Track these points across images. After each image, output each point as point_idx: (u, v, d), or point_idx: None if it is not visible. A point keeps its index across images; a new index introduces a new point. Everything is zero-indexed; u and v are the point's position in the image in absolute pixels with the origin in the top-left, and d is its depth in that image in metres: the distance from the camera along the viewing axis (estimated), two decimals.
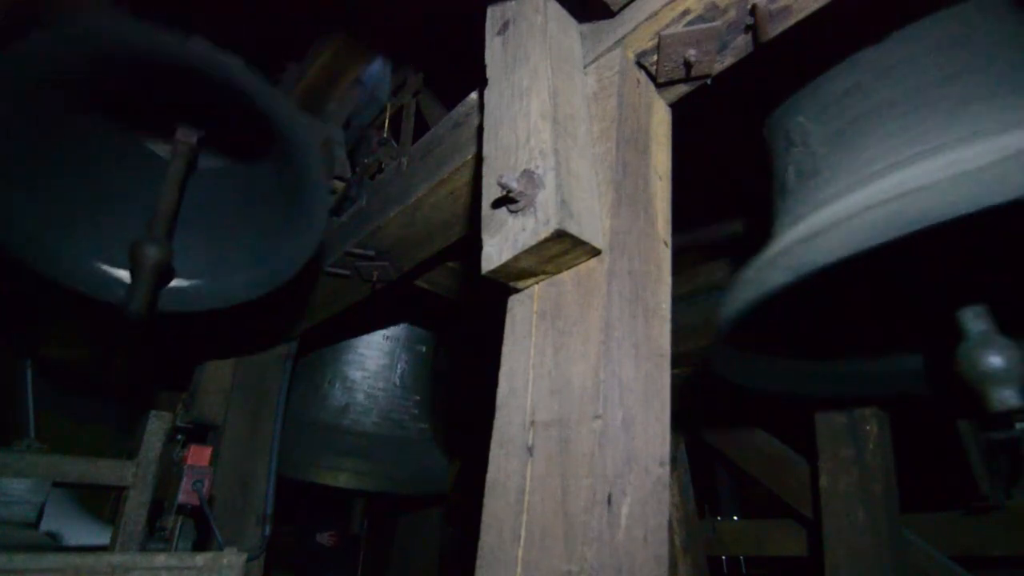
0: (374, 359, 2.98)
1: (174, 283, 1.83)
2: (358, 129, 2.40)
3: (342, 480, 2.58)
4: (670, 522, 2.95)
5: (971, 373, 1.33)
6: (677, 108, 1.22)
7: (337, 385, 2.87)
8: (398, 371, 3.02)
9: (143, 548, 1.97)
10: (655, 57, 1.13)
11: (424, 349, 3.19)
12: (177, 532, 2.10)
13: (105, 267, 1.78)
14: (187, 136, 1.75)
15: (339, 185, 2.14)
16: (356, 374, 2.91)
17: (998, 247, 1.55)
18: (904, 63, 1.31)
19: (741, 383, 1.81)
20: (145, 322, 1.50)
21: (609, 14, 1.18)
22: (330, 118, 2.35)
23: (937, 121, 1.19)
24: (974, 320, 1.41)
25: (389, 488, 2.71)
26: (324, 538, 4.53)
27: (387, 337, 3.05)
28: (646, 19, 1.11)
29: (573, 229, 0.92)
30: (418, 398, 3.05)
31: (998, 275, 1.54)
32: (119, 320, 1.48)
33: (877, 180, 1.14)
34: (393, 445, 2.85)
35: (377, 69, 2.35)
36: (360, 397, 2.87)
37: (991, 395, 1.30)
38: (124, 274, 1.73)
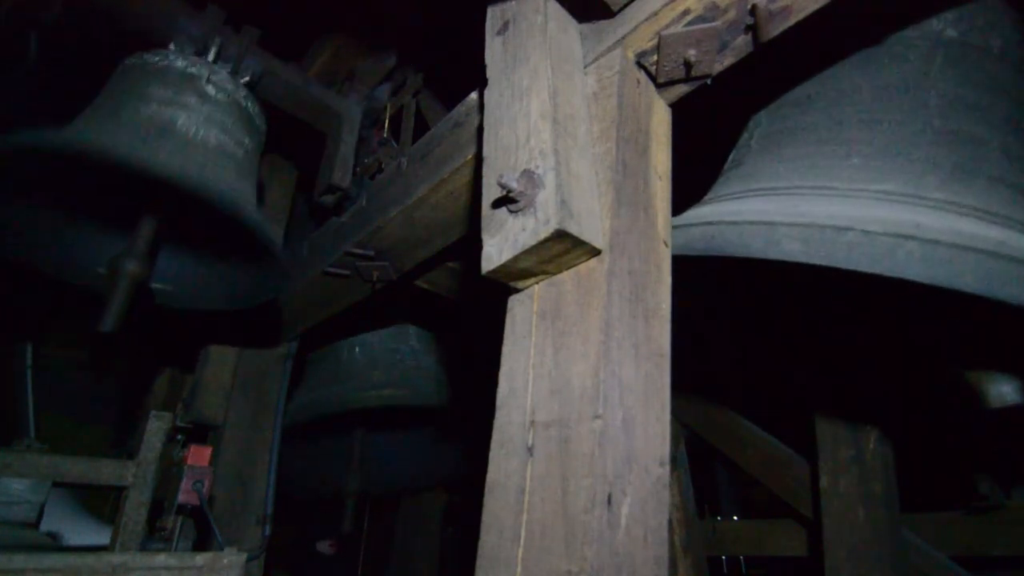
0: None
1: (160, 285, 1.94)
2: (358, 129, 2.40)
3: (385, 396, 2.72)
4: (670, 522, 2.95)
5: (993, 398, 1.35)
6: (677, 108, 1.22)
7: (358, 350, 3.01)
8: (412, 331, 3.15)
9: (143, 548, 1.97)
10: (655, 57, 1.13)
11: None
12: (177, 532, 2.10)
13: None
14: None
15: (329, 199, 2.17)
16: (373, 338, 3.04)
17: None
18: (845, 91, 1.35)
19: None
20: (116, 335, 1.56)
21: (609, 14, 1.18)
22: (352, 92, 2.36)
23: (822, 162, 1.26)
24: None
25: (419, 401, 2.82)
26: (324, 546, 4.53)
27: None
28: (646, 19, 1.11)
29: (573, 229, 0.92)
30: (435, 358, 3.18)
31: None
32: (96, 330, 1.52)
33: (745, 199, 1.28)
34: (423, 375, 2.98)
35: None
36: (382, 354, 3.01)
37: (989, 391, 1.31)
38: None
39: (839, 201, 1.15)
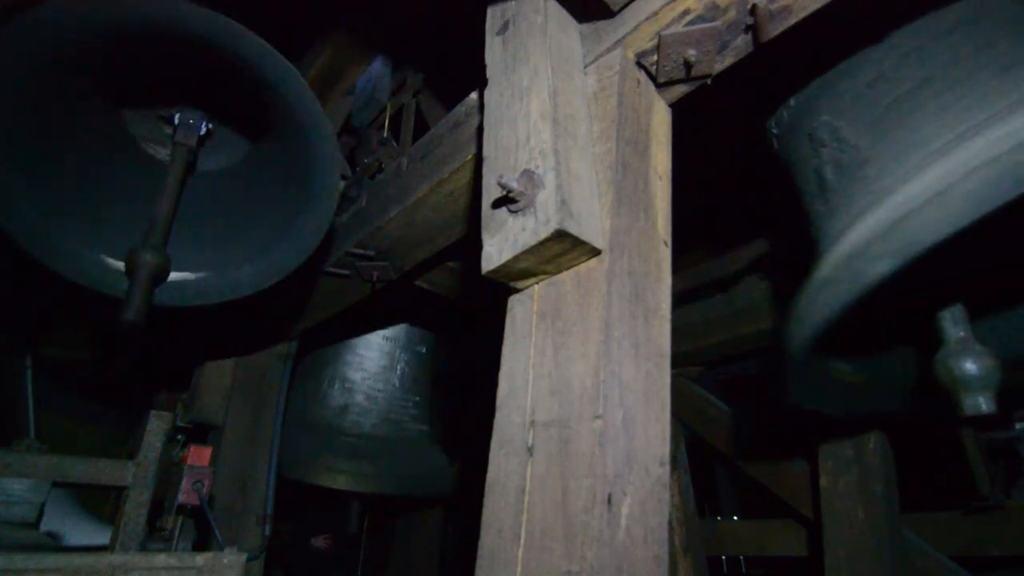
0: (374, 360, 2.98)
1: (180, 277, 1.80)
2: (358, 129, 2.40)
3: (341, 482, 2.58)
4: (670, 522, 2.95)
5: (946, 378, 1.36)
6: (677, 108, 1.22)
7: (337, 386, 2.87)
8: (398, 372, 3.02)
9: (143, 548, 1.97)
10: (655, 57, 1.13)
11: (424, 350, 3.19)
12: (177, 532, 2.10)
13: (107, 260, 1.76)
14: (186, 138, 1.73)
15: (340, 184, 2.13)
16: (356, 375, 2.91)
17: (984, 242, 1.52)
18: (928, 45, 1.29)
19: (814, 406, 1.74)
20: (141, 328, 1.49)
21: (609, 14, 1.18)
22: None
23: (988, 88, 1.15)
24: (952, 325, 1.42)
25: (388, 490, 2.71)
26: (319, 542, 4.53)
27: (387, 338, 3.05)
28: (646, 19, 1.11)
29: (573, 229, 0.92)
30: (418, 399, 3.05)
31: (979, 270, 1.53)
32: (117, 324, 1.48)
33: (957, 149, 1.05)
34: (393, 447, 2.85)
35: (377, 69, 2.34)
36: (360, 398, 2.86)
37: (964, 401, 1.32)
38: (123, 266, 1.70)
39: None
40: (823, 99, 1.48)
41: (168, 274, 1.66)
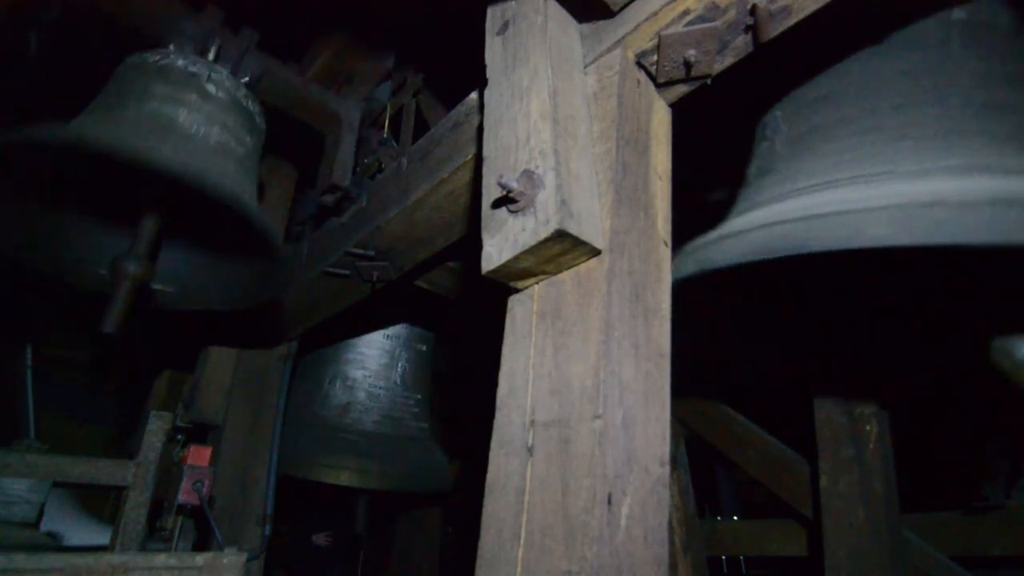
0: (375, 358, 2.99)
1: (160, 286, 1.93)
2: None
3: (344, 478, 2.58)
4: (670, 522, 2.94)
5: (1005, 361, 1.34)
6: (677, 108, 1.22)
7: (338, 384, 2.88)
8: (399, 370, 3.02)
9: (143, 548, 1.98)
10: (655, 57, 1.13)
11: (424, 348, 3.20)
12: (177, 532, 2.10)
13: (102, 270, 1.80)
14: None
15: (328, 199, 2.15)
16: (357, 373, 2.91)
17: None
18: (870, 82, 1.34)
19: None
20: (118, 336, 1.55)
21: (609, 14, 1.18)
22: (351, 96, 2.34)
23: (871, 150, 1.24)
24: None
25: (391, 486, 2.71)
26: (320, 539, 4.52)
27: (388, 336, 3.05)
28: (646, 19, 1.11)
29: (573, 229, 0.92)
30: (419, 397, 3.06)
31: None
32: (97, 331, 1.52)
33: (797, 197, 1.24)
34: (394, 443, 2.86)
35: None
36: (361, 396, 2.87)
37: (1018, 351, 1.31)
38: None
39: (911, 181, 1.09)
40: (786, 96, 1.51)
41: (149, 285, 1.72)
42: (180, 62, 1.75)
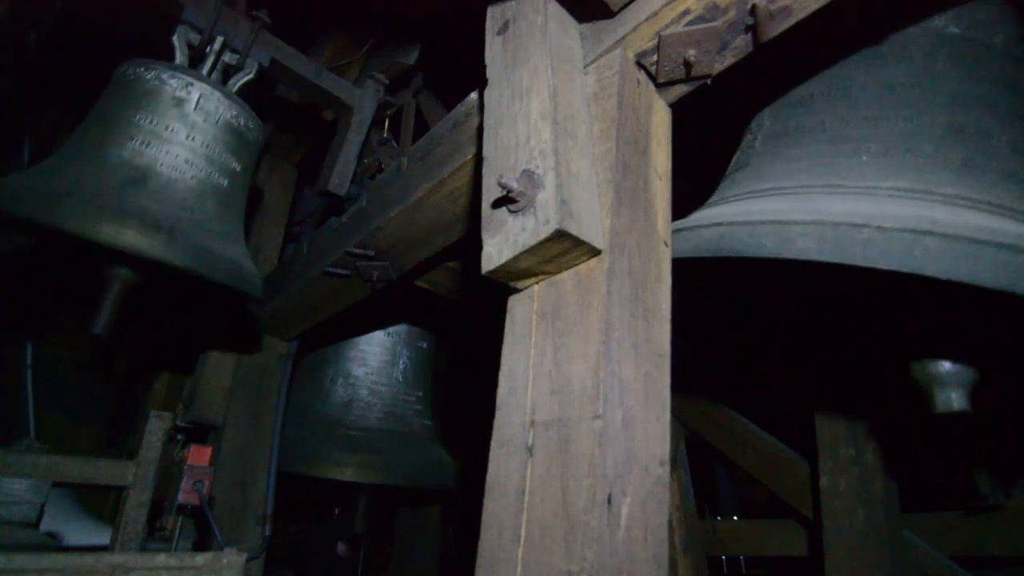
0: (376, 355, 3.00)
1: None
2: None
3: (348, 474, 2.59)
4: (670, 522, 2.95)
5: (919, 374, 1.39)
6: (677, 108, 1.22)
7: (340, 382, 2.88)
8: (400, 367, 3.03)
9: (143, 548, 1.97)
10: (655, 57, 1.13)
11: (425, 345, 3.20)
12: (177, 532, 2.10)
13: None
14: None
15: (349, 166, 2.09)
16: (359, 370, 2.92)
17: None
18: (851, 90, 1.35)
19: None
20: (105, 338, 1.55)
21: (609, 14, 1.18)
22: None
23: (827, 160, 1.27)
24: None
25: (394, 482, 2.71)
26: (342, 549, 4.52)
27: (389, 333, 3.06)
28: (646, 19, 1.10)
29: (573, 229, 0.92)
30: (420, 394, 3.07)
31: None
32: (85, 331, 1.52)
33: (751, 199, 1.28)
34: (397, 439, 2.87)
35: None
36: (363, 393, 2.88)
37: (936, 396, 1.34)
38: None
39: (852, 199, 1.14)
40: (775, 96, 1.52)
41: (138, 288, 1.71)
42: (170, 84, 1.72)
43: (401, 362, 3.04)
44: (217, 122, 1.78)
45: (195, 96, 1.74)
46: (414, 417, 2.98)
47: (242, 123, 1.86)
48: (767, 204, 1.22)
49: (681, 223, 1.35)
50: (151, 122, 1.66)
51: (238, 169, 1.84)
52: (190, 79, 1.76)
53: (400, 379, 3.01)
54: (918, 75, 1.29)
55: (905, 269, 0.98)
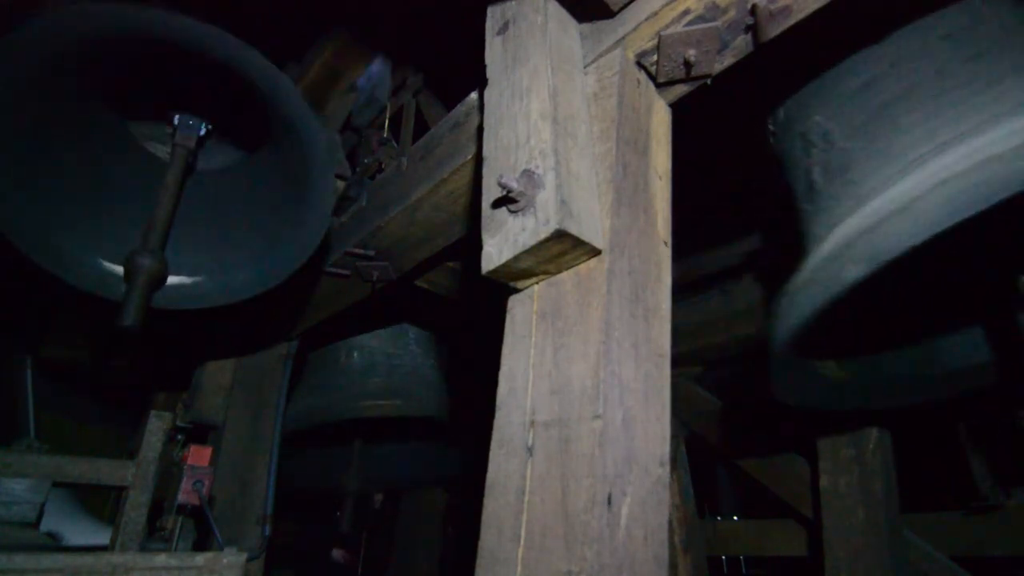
0: (388, 330, 3.13)
1: (177, 280, 1.81)
2: (358, 129, 2.40)
3: (387, 409, 2.74)
4: (670, 522, 2.95)
5: None
6: (677, 108, 1.22)
7: (356, 355, 3.01)
8: (412, 336, 3.16)
9: (143, 548, 1.97)
10: (655, 57, 1.13)
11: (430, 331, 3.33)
12: (177, 532, 2.10)
13: (106, 264, 1.76)
14: (185, 139, 1.73)
15: (339, 185, 2.13)
16: (372, 342, 3.04)
17: None
18: (918, 52, 1.30)
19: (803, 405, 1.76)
20: (139, 331, 1.50)
21: (609, 14, 1.18)
22: (329, 119, 2.33)
23: (975, 100, 1.16)
24: None
25: (425, 412, 2.84)
26: (339, 555, 4.52)
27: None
28: (646, 19, 1.11)
29: (573, 229, 0.92)
30: (432, 363, 3.20)
31: None
32: (114, 328, 1.48)
33: (936, 158, 1.09)
34: (420, 386, 3.00)
35: (377, 69, 2.34)
36: (380, 359, 3.01)
37: None
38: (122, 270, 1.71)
39: (1006, 123, 1.00)
40: (816, 100, 1.49)
41: (166, 278, 1.67)
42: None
43: (412, 333, 3.18)
44: None
45: None
46: (432, 373, 3.13)
47: None
48: (950, 158, 1.04)
49: (871, 216, 1.12)
50: None
51: None
52: None
53: (415, 347, 3.15)
54: (970, 19, 1.26)
55: None
